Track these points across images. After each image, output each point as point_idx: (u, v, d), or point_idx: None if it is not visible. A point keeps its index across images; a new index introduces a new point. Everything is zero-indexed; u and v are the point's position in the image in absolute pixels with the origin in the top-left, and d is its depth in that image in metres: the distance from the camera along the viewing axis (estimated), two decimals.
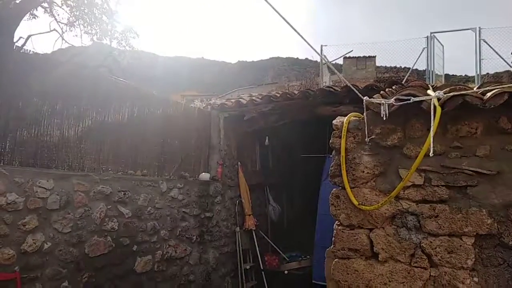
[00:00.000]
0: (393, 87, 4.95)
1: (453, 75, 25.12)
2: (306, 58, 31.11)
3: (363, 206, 3.58)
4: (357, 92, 3.45)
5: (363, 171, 3.67)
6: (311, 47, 3.12)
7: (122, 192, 6.13)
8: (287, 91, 9.69)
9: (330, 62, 14.85)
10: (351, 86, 3.87)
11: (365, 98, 3.55)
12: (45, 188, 4.96)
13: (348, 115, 3.83)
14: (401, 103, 3.28)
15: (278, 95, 8.48)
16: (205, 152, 8.88)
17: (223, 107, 8.98)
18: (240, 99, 8.92)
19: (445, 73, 13.58)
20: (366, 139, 3.65)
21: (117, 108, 6.91)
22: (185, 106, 8.93)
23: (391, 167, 3.60)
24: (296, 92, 8.53)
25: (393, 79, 9.02)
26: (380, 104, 3.42)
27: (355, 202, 3.61)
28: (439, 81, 11.94)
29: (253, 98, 8.64)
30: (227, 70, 34.86)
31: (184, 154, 8.17)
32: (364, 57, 17.06)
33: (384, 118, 3.41)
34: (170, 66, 30.44)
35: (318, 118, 8.20)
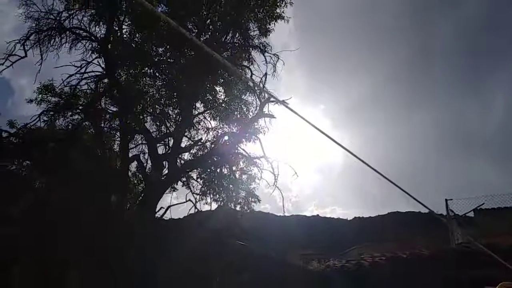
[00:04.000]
0: None
1: None
2: (430, 211, 28.91)
3: None
4: (500, 260, 3.01)
5: None
6: (432, 212, 2.98)
7: None
8: (415, 250, 8.87)
9: (460, 216, 13.54)
10: (493, 255, 3.33)
11: None
12: None
13: (499, 286, 3.30)
14: None
15: (405, 256, 7.81)
16: None
17: (343, 270, 8.50)
18: (362, 261, 8.41)
19: None
20: None
21: (239, 271, 7.12)
22: (303, 268, 8.74)
23: None
24: (424, 252, 7.78)
25: None
26: None
27: None
28: None
29: (376, 259, 8.09)
30: (344, 227, 34.00)
31: None
32: (499, 208, 15.17)
33: None
34: (287, 224, 31.09)
35: (456, 282, 7.09)
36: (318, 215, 39.17)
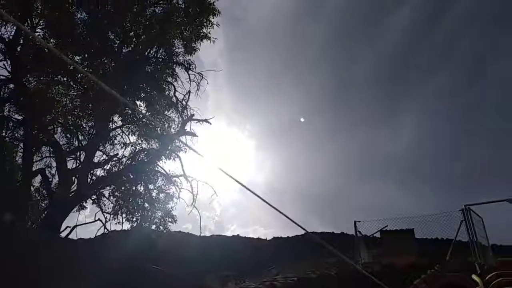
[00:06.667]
0: (436, 267, 4.71)
1: (501, 245, 22.86)
2: (342, 233, 30.61)
3: None
4: (377, 280, 3.23)
5: None
6: (311, 235, 3.14)
7: None
8: (325, 270, 9.27)
9: (368, 236, 14.51)
10: (383, 285, 3.56)
11: None
12: None
13: None
14: None
15: (315, 276, 8.10)
16: None
17: None
18: (275, 282, 8.53)
19: (492, 243, 12.64)
20: None
21: None
22: None
23: None
24: (332, 272, 8.15)
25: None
26: None
27: None
28: (486, 253, 11.04)
29: (288, 280, 8.27)
30: (264, 246, 34.41)
31: None
32: (401, 230, 16.61)
33: None
34: (207, 245, 30.64)
35: None
36: (238, 235, 39.24)
